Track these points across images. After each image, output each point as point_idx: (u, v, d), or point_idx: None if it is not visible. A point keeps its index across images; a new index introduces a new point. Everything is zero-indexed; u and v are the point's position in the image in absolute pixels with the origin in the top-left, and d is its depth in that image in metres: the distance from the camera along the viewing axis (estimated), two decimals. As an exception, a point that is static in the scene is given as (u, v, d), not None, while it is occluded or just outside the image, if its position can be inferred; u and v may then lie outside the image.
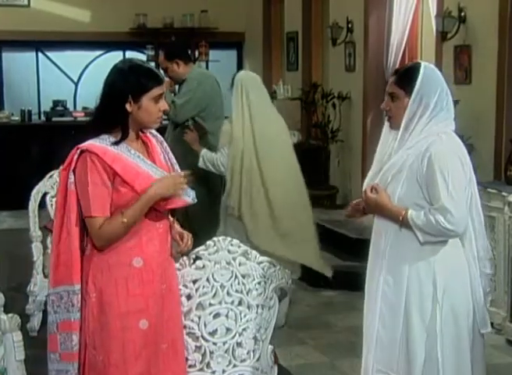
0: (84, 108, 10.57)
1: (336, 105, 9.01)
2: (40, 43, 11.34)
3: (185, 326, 3.39)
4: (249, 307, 3.49)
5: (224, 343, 3.49)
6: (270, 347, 3.57)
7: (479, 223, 3.28)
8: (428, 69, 3.23)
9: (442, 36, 6.91)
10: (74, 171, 3.08)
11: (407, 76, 3.24)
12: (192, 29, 11.45)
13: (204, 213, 5.78)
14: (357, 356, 3.48)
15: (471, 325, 3.25)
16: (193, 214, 5.66)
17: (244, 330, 3.50)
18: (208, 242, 3.45)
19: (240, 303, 3.48)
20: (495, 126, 6.42)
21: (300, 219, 5.68)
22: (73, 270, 3.11)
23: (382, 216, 3.28)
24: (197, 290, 3.42)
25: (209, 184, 5.75)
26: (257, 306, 3.50)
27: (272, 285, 3.51)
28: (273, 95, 10.06)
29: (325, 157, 9.18)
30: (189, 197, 3.23)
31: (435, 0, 7.30)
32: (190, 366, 3.42)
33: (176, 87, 6.38)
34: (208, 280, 3.43)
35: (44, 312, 5.11)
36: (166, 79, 5.66)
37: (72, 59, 11.70)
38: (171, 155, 3.33)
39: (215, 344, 3.47)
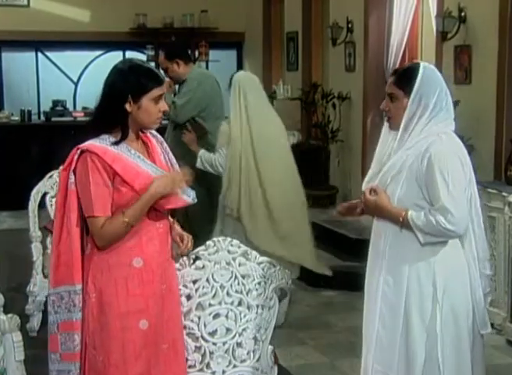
0: (84, 109, 10.56)
1: (336, 105, 9.01)
2: (40, 43, 11.34)
3: (185, 327, 3.39)
4: (249, 307, 3.49)
5: (224, 343, 3.49)
6: (270, 347, 3.57)
7: (479, 224, 3.28)
8: (427, 70, 3.22)
9: (443, 36, 6.90)
10: (75, 171, 3.08)
11: (405, 76, 3.23)
12: (192, 29, 11.45)
13: (204, 214, 5.78)
14: (357, 356, 3.48)
15: (471, 325, 3.25)
16: (193, 214, 5.67)
17: (244, 330, 3.50)
18: (208, 242, 3.45)
19: (239, 303, 3.48)
20: (495, 126, 6.42)
21: (298, 220, 5.69)
22: (74, 270, 3.11)
23: (382, 218, 3.27)
24: (196, 290, 3.42)
25: (208, 185, 5.74)
26: (257, 306, 3.50)
27: (272, 285, 3.51)
28: (273, 95, 10.07)
29: (325, 157, 9.18)
30: (189, 197, 3.23)
31: (436, 0, 7.30)
32: (189, 367, 3.42)
33: (176, 87, 6.37)
34: (207, 280, 3.43)
35: (44, 313, 5.12)
36: (166, 79, 5.66)
37: (71, 59, 11.69)
38: (171, 155, 3.33)
39: (214, 344, 3.47)
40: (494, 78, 6.41)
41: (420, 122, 3.18)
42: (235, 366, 3.51)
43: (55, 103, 10.76)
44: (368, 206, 3.30)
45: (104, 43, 11.51)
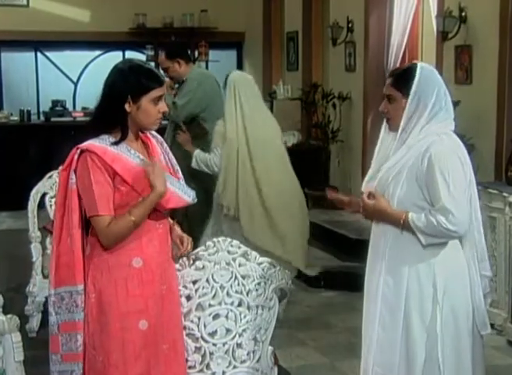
0: (84, 109, 10.55)
1: (336, 105, 9.01)
2: (40, 43, 11.34)
3: (185, 327, 3.38)
4: (249, 308, 3.48)
5: (224, 344, 3.48)
6: (270, 348, 3.56)
7: (478, 224, 3.27)
8: (424, 70, 3.20)
9: (443, 36, 6.90)
10: (75, 171, 3.07)
11: (403, 77, 3.21)
12: (192, 29, 11.45)
13: (204, 213, 5.78)
14: (358, 357, 3.47)
15: (471, 326, 3.24)
16: (192, 214, 5.67)
17: (244, 330, 3.49)
18: (208, 243, 3.44)
19: (239, 304, 3.47)
20: (496, 126, 6.42)
21: (295, 220, 5.70)
22: (76, 270, 3.10)
23: (383, 221, 3.25)
24: (196, 290, 3.41)
25: (207, 184, 5.74)
26: (257, 307, 3.49)
27: (272, 286, 3.51)
28: (273, 95, 10.08)
29: (325, 157, 9.18)
30: (189, 197, 3.23)
31: (436, 0, 7.29)
32: (189, 367, 3.41)
33: (176, 86, 6.36)
34: (207, 280, 3.42)
35: (44, 313, 5.11)
36: (167, 79, 5.66)
37: (71, 59, 11.70)
38: (171, 155, 3.34)
39: (214, 345, 3.46)
40: (495, 78, 6.41)
41: (419, 122, 3.17)
42: (235, 367, 3.50)
43: (55, 103, 10.75)
44: (367, 210, 3.29)
45: (104, 43, 11.51)
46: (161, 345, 3.16)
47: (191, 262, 3.39)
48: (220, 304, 3.44)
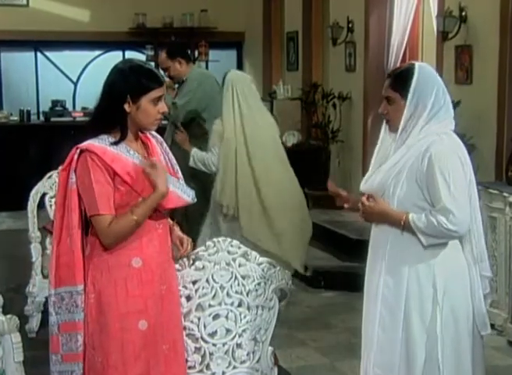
0: (83, 109, 10.54)
1: (337, 105, 9.00)
2: (39, 43, 11.33)
3: (184, 328, 3.38)
4: (249, 308, 3.47)
5: (224, 344, 3.47)
6: (270, 348, 3.55)
7: (478, 225, 3.26)
8: (422, 70, 3.19)
9: (443, 36, 6.89)
10: (75, 171, 3.07)
11: (401, 78, 3.20)
12: (192, 28, 11.44)
13: (203, 213, 5.78)
14: (358, 357, 3.46)
15: (471, 327, 3.23)
16: (192, 214, 5.67)
17: (244, 331, 3.48)
18: (208, 243, 3.44)
19: (239, 304, 3.46)
20: (496, 126, 6.41)
21: (294, 219, 5.70)
22: (76, 271, 3.10)
23: (383, 223, 3.24)
24: (196, 291, 3.41)
25: (207, 184, 5.74)
26: (257, 307, 3.49)
27: (272, 286, 3.50)
28: (273, 95, 10.07)
29: (325, 157, 9.17)
30: (188, 197, 3.23)
31: (436, 0, 7.28)
32: (189, 368, 3.41)
33: (176, 86, 6.36)
34: (207, 281, 3.42)
35: (43, 314, 5.11)
36: (166, 79, 5.65)
37: (71, 59, 11.68)
38: (171, 155, 3.33)
39: (214, 345, 3.46)
40: (495, 78, 6.40)
41: (419, 122, 3.16)
42: (235, 367, 3.50)
43: (55, 103, 10.74)
44: (367, 213, 3.28)
45: (104, 43, 11.50)
46: (160, 346, 3.16)
47: (191, 262, 3.39)
48: (220, 304, 3.44)
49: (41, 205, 5.36)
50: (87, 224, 3.12)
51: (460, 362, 3.20)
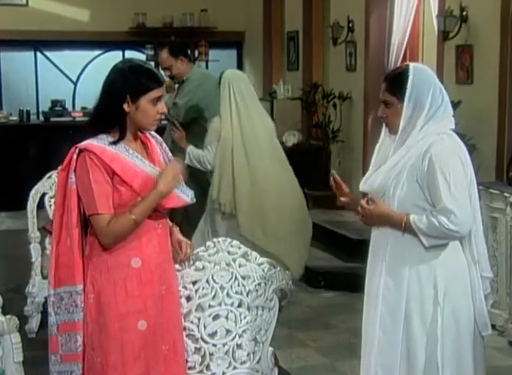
0: (83, 108, 10.53)
1: (337, 105, 8.99)
2: (39, 42, 11.32)
3: (184, 328, 3.38)
4: (249, 308, 3.47)
5: (224, 345, 3.47)
6: (270, 349, 3.55)
7: (478, 225, 3.25)
8: (417, 71, 3.17)
9: (444, 35, 6.88)
10: (75, 170, 3.06)
11: (396, 81, 3.19)
12: (192, 28, 11.43)
13: (204, 212, 5.78)
14: (358, 358, 3.45)
15: (472, 327, 3.22)
16: (192, 214, 5.67)
17: (244, 331, 3.48)
18: (208, 243, 3.44)
19: (239, 305, 3.46)
20: (497, 126, 6.40)
21: (293, 221, 5.71)
22: (75, 271, 3.10)
23: (384, 225, 3.23)
24: (196, 291, 3.41)
25: (205, 184, 5.74)
26: (257, 308, 3.49)
27: (272, 286, 3.50)
28: (273, 95, 10.06)
29: (325, 157, 9.16)
30: (188, 196, 3.22)
31: (437, -1, 7.29)
32: (189, 368, 3.41)
33: (176, 86, 6.36)
34: (207, 281, 3.41)
35: (43, 314, 5.10)
36: (166, 79, 5.65)
37: (70, 59, 11.68)
38: (170, 155, 3.33)
39: (214, 345, 3.46)
40: (496, 78, 6.39)
41: (418, 123, 3.14)
42: (235, 368, 3.50)
43: (54, 103, 10.73)
44: (366, 216, 3.27)
45: (104, 42, 11.49)
46: (160, 346, 3.16)
47: (191, 262, 3.38)
48: (220, 305, 3.43)
49: (41, 205, 5.35)
50: (87, 224, 3.11)
51: (461, 363, 3.19)
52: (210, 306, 3.42)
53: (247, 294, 3.45)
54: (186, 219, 5.73)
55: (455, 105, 5.96)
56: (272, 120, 6.12)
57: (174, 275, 3.29)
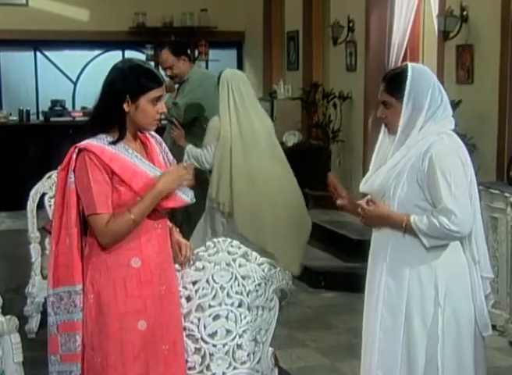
0: (83, 108, 10.51)
1: (337, 104, 8.98)
2: (39, 42, 11.30)
3: (184, 328, 3.38)
4: (249, 309, 3.47)
5: (224, 345, 3.47)
6: (270, 349, 3.55)
7: (479, 226, 3.24)
8: (415, 71, 3.16)
9: (444, 35, 6.88)
10: (75, 170, 3.06)
11: (395, 82, 3.18)
12: (191, 28, 11.42)
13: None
14: (358, 358, 3.45)
15: (473, 328, 3.22)
16: (193, 213, 5.67)
17: (244, 331, 3.48)
18: (208, 243, 3.44)
19: (240, 305, 3.46)
20: (497, 126, 6.39)
21: (292, 220, 5.72)
22: (74, 270, 3.09)
23: (384, 226, 3.22)
24: (196, 291, 3.40)
25: (205, 183, 5.74)
26: (258, 308, 3.48)
27: (273, 287, 3.49)
28: (273, 95, 10.05)
29: (325, 157, 9.16)
30: (187, 197, 3.22)
31: (437, -1, 7.28)
32: (189, 369, 3.41)
33: (176, 86, 6.36)
34: (207, 281, 3.41)
35: (43, 314, 5.09)
36: (166, 79, 5.65)
37: (70, 59, 11.66)
38: (170, 155, 3.33)
39: (214, 346, 3.45)
40: (496, 78, 6.39)
41: (417, 124, 3.14)
42: (235, 368, 3.49)
43: (54, 103, 10.72)
44: (367, 217, 3.26)
45: (104, 42, 11.48)
46: (160, 346, 3.15)
47: (191, 262, 3.38)
48: (220, 305, 3.43)
49: (41, 205, 5.34)
50: (86, 224, 3.11)
51: (461, 364, 3.19)
52: (210, 306, 3.42)
53: (247, 295, 3.45)
54: (186, 220, 5.73)
55: (455, 104, 5.95)
56: (272, 120, 6.14)
57: (174, 275, 3.28)
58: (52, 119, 10.42)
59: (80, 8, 11.22)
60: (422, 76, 3.17)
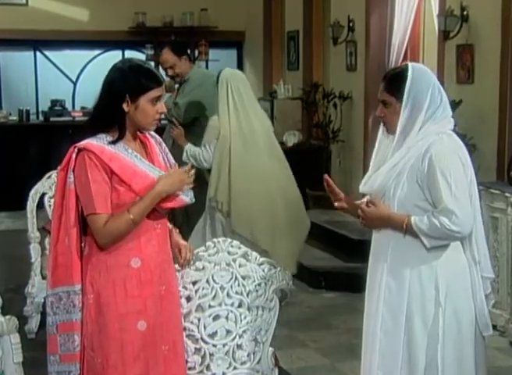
0: (83, 108, 10.51)
1: (337, 104, 8.97)
2: (39, 42, 11.30)
3: (184, 329, 3.38)
4: (249, 309, 3.46)
5: (224, 345, 3.46)
6: (270, 349, 3.54)
7: (479, 226, 3.23)
8: (415, 70, 3.16)
9: (445, 35, 6.87)
10: (74, 170, 3.06)
11: (395, 81, 3.18)
12: (192, 28, 11.41)
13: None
14: (359, 358, 3.44)
15: (474, 328, 3.21)
16: (192, 214, 5.67)
17: (244, 332, 3.47)
18: (208, 243, 3.44)
19: (240, 305, 3.45)
20: (498, 126, 6.39)
21: (290, 218, 5.71)
22: (73, 270, 3.09)
23: (385, 227, 3.21)
24: (196, 291, 3.40)
25: (206, 184, 5.74)
26: (258, 308, 3.48)
27: (273, 287, 3.49)
28: (274, 95, 10.05)
29: (326, 157, 9.15)
30: (187, 197, 3.22)
31: (437, -1, 7.27)
32: (189, 369, 3.41)
33: (176, 86, 6.36)
34: (207, 281, 3.41)
35: (43, 314, 5.08)
36: (166, 79, 5.64)
37: (70, 58, 11.66)
38: (170, 155, 3.33)
39: (214, 346, 3.45)
40: (497, 77, 6.38)
41: (416, 124, 3.13)
42: (235, 368, 3.49)
43: (54, 103, 10.72)
44: (367, 218, 3.25)
45: (103, 42, 11.47)
46: (160, 346, 3.15)
47: (191, 263, 3.37)
48: (220, 305, 3.43)
49: (41, 205, 5.34)
50: (86, 224, 3.10)
51: (462, 364, 3.18)
52: (210, 306, 3.42)
53: (247, 295, 3.45)
54: (186, 220, 5.72)
55: (455, 104, 5.95)
56: (272, 120, 6.15)
57: (174, 275, 3.28)
58: (52, 119, 10.42)
59: (79, 7, 11.21)
60: (422, 76, 3.16)
